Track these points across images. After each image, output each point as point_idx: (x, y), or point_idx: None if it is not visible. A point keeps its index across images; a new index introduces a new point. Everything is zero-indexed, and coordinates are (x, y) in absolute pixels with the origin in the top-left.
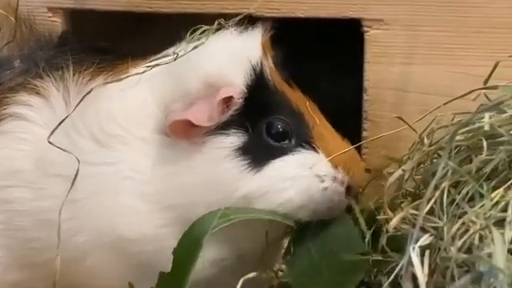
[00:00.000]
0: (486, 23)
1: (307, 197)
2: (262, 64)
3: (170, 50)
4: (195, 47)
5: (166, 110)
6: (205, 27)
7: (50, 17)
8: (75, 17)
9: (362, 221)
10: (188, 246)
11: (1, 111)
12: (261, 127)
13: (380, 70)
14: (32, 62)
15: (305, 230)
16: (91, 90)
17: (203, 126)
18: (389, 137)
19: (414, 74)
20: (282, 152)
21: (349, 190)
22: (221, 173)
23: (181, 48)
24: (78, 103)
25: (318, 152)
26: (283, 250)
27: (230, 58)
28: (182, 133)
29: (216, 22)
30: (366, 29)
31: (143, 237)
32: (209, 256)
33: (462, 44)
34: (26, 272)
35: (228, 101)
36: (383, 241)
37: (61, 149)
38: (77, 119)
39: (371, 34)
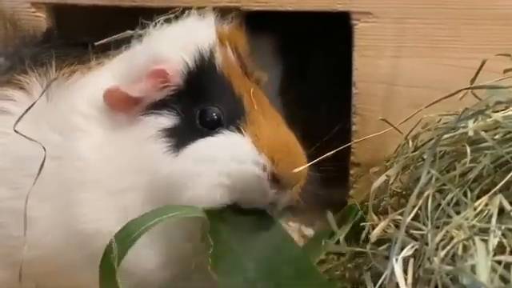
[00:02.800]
0: (475, 15)
1: (224, 177)
2: (212, 50)
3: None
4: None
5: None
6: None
7: (33, 12)
8: (59, 12)
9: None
10: (119, 246)
11: None
12: (195, 113)
13: (369, 64)
14: (17, 59)
15: (230, 228)
16: (53, 79)
17: (132, 95)
18: (377, 131)
19: (402, 67)
20: (206, 135)
21: (276, 179)
22: (146, 153)
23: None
24: (42, 93)
25: (243, 135)
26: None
27: (178, 41)
28: (116, 103)
29: (185, 13)
30: (354, 22)
31: (99, 230)
32: (154, 258)
33: (451, 36)
34: (10, 271)
35: (163, 77)
36: (367, 246)
37: (26, 137)
38: (49, 112)
39: (360, 27)
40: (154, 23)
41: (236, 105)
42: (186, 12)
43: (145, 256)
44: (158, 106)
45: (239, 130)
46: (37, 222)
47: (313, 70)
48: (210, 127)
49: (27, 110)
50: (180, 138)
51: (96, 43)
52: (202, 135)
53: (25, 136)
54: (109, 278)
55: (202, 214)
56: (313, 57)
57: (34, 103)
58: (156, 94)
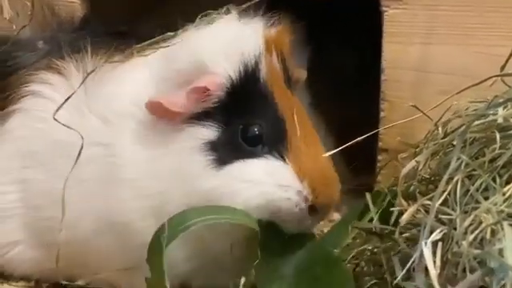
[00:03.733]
0: (506, 2)
1: (265, 202)
2: (257, 60)
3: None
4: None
5: (155, 89)
6: (213, 12)
7: None
8: None
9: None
10: (155, 251)
11: (23, 88)
12: (237, 127)
13: (398, 50)
14: (55, 44)
15: (270, 241)
16: (94, 69)
17: (174, 111)
18: (406, 117)
19: (432, 54)
20: (249, 155)
21: (312, 209)
22: (188, 164)
23: (184, 31)
24: (82, 81)
25: (286, 163)
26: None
27: (223, 47)
28: (158, 113)
29: (224, 8)
30: (384, 8)
31: (132, 225)
32: (178, 254)
33: (481, 24)
34: (46, 251)
35: (205, 91)
36: (396, 234)
37: (64, 125)
38: (90, 98)
39: (390, 14)
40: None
41: (278, 125)
42: (227, 9)
43: (175, 249)
44: (200, 117)
45: (281, 156)
46: (71, 205)
47: (338, 57)
48: (251, 144)
49: (66, 99)
50: (222, 152)
51: (137, 46)
52: (244, 152)
53: (63, 124)
54: (157, 258)
55: (255, 226)
56: (339, 44)
57: (73, 93)
58: (198, 106)
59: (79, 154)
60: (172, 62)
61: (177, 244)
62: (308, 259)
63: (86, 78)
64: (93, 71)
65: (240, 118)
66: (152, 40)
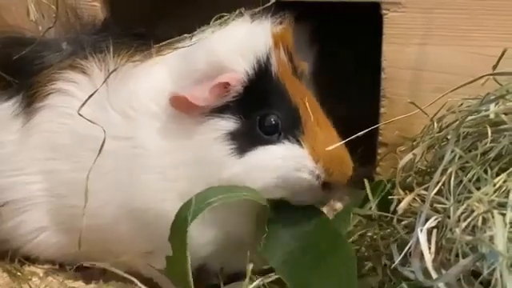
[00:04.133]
0: (498, 6)
1: (282, 184)
2: (268, 56)
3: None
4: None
5: (174, 85)
6: (226, 15)
7: (89, 1)
8: (113, 1)
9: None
10: (179, 227)
11: (49, 86)
12: (255, 118)
13: (397, 51)
14: (78, 45)
15: (279, 216)
16: (116, 67)
17: (198, 105)
18: (404, 113)
19: (429, 54)
20: (267, 143)
21: (326, 185)
22: (210, 153)
23: (200, 33)
24: (105, 79)
25: (302, 147)
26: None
27: (238, 46)
28: (182, 107)
29: (237, 11)
30: (384, 11)
31: (154, 209)
32: (198, 239)
33: (475, 26)
34: (69, 236)
35: (226, 86)
36: (394, 221)
37: (89, 120)
38: (112, 95)
39: (389, 17)
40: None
41: (293, 113)
42: (239, 12)
43: (198, 231)
44: (219, 110)
45: (297, 141)
46: (94, 194)
47: (341, 57)
48: (268, 133)
49: (90, 96)
50: (242, 142)
51: (156, 45)
52: (262, 141)
53: (87, 119)
54: (180, 233)
55: (264, 202)
56: (341, 45)
57: (96, 90)
58: (218, 101)
59: (102, 147)
60: (190, 61)
61: (198, 229)
62: (314, 234)
63: (109, 76)
64: (115, 70)
65: (257, 110)
66: (170, 40)
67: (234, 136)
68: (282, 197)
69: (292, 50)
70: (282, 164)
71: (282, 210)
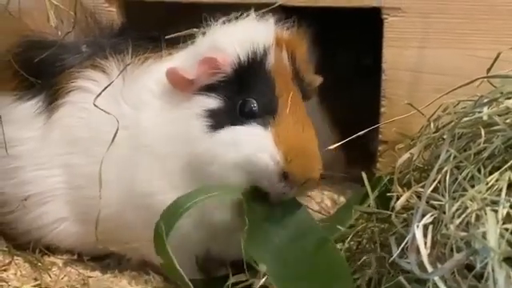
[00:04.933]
0: (493, 11)
1: (243, 162)
2: (265, 51)
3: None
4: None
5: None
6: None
7: (106, 7)
8: (129, 6)
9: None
10: (167, 221)
11: (70, 83)
12: (237, 101)
13: (397, 53)
14: (97, 47)
15: (262, 212)
16: (129, 63)
17: (186, 77)
18: (404, 113)
19: (427, 57)
20: (239, 124)
21: (285, 176)
22: (189, 128)
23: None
24: (119, 74)
25: (268, 131)
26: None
27: (236, 37)
28: (175, 81)
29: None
30: (385, 16)
31: (150, 190)
32: (187, 228)
33: (471, 30)
34: (87, 226)
35: (214, 63)
36: (393, 216)
37: (103, 110)
38: (125, 90)
39: (389, 21)
40: (217, 21)
41: (272, 102)
42: (247, 13)
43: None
44: (208, 89)
45: (266, 125)
46: (107, 184)
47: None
48: (246, 116)
49: (105, 87)
50: (218, 120)
51: (166, 36)
52: (236, 122)
53: (101, 109)
54: (162, 248)
55: (239, 195)
56: (341, 48)
57: (111, 82)
58: (207, 78)
59: (114, 136)
60: (193, 48)
61: (184, 220)
62: (297, 231)
63: (123, 69)
64: (129, 64)
65: (240, 94)
66: (180, 33)
67: (212, 114)
68: (246, 182)
69: (299, 57)
70: (245, 142)
71: (258, 200)
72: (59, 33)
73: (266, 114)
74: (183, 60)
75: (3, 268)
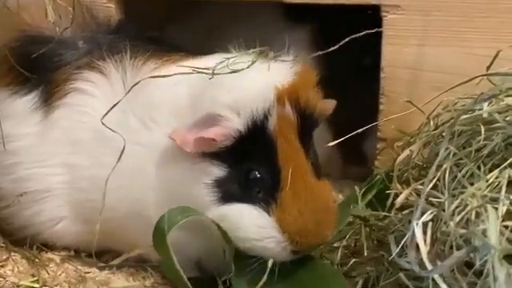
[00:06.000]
0: (493, 9)
1: (250, 246)
2: (266, 113)
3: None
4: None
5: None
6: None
7: (105, 3)
8: (127, 2)
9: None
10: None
11: (68, 85)
12: (240, 169)
13: (396, 51)
14: (95, 44)
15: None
16: (139, 82)
17: (184, 149)
18: (402, 110)
19: (426, 55)
20: (246, 200)
21: (294, 252)
22: (196, 194)
23: (224, 63)
24: (128, 92)
25: (271, 215)
26: None
27: (238, 100)
28: (177, 144)
29: (262, 53)
30: (384, 14)
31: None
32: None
33: (470, 28)
34: (87, 226)
35: (212, 141)
36: (392, 211)
37: (110, 129)
38: (133, 100)
39: (388, 19)
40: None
41: (274, 175)
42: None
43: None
44: (212, 155)
45: (269, 207)
46: (110, 192)
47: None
48: (250, 187)
49: (112, 107)
50: (224, 191)
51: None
52: (241, 195)
53: (110, 128)
54: (162, 247)
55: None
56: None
57: (118, 102)
58: (208, 149)
59: (122, 153)
60: (201, 96)
61: (180, 232)
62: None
63: (132, 88)
64: (137, 83)
65: (243, 163)
66: (186, 56)
67: (219, 184)
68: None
69: (306, 98)
70: (250, 227)
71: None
72: (57, 28)
73: (268, 186)
74: (194, 99)
75: (0, 264)
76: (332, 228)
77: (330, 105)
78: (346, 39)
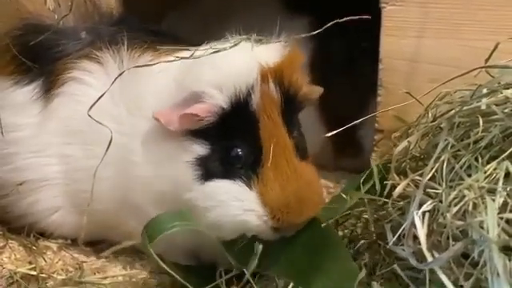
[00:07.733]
0: (492, 2)
1: (230, 222)
2: (250, 90)
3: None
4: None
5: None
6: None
7: None
8: None
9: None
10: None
11: (66, 75)
12: (222, 146)
13: (394, 42)
14: (97, 35)
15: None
16: (122, 73)
17: (168, 128)
18: (400, 102)
19: (424, 47)
20: (228, 176)
21: (275, 229)
22: (179, 173)
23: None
24: (113, 81)
25: (253, 190)
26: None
27: (222, 77)
28: (162, 125)
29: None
30: (383, 5)
31: (144, 210)
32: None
33: (468, 20)
34: (81, 217)
35: (196, 116)
36: (389, 204)
37: (98, 121)
38: (124, 91)
39: (387, 10)
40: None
41: (256, 152)
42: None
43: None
44: (195, 133)
45: (251, 182)
46: (102, 181)
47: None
48: (232, 164)
49: (99, 97)
50: (206, 169)
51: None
52: (223, 172)
53: (96, 121)
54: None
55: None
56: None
57: (105, 91)
58: (192, 126)
59: (109, 144)
60: (187, 76)
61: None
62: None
63: (118, 76)
64: (122, 72)
65: (225, 141)
66: (176, 48)
67: (201, 162)
68: (237, 233)
69: (290, 78)
70: (231, 201)
71: None
72: (56, 16)
73: (250, 163)
74: (177, 85)
75: None
76: (315, 209)
77: (316, 90)
78: (333, 22)
